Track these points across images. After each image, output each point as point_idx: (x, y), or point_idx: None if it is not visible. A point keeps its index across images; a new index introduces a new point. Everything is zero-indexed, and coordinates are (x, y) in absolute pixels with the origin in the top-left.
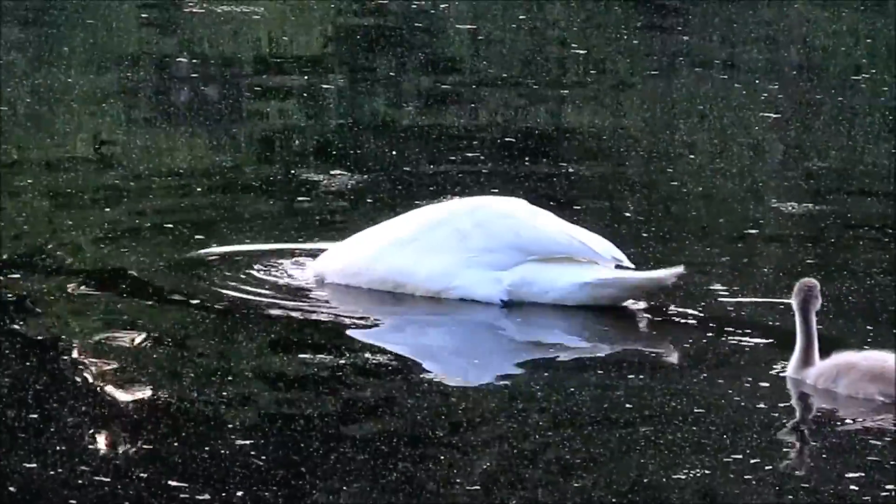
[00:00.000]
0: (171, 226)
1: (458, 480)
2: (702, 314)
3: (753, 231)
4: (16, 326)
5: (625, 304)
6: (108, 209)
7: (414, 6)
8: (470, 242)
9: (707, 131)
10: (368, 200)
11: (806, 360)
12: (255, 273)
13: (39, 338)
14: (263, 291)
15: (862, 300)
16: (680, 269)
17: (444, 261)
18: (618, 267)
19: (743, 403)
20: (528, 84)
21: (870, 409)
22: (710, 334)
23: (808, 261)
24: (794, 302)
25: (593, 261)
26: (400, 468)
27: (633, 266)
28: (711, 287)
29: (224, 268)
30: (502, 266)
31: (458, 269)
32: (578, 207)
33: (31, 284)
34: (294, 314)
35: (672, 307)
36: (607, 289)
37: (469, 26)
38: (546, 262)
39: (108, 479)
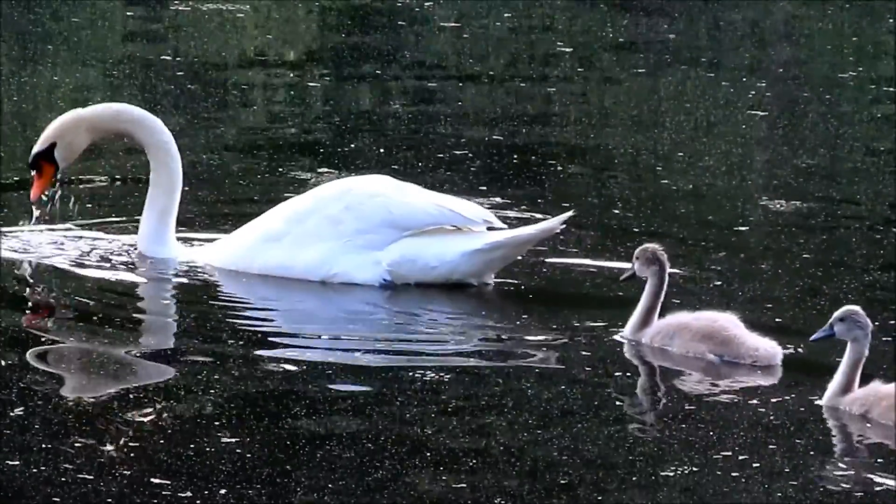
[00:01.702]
0: None
1: (443, 478)
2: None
3: (743, 228)
4: None
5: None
6: (90, 205)
7: (399, 4)
8: (343, 227)
9: (694, 129)
10: None
11: (645, 322)
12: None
13: (21, 335)
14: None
15: (861, 298)
16: (569, 214)
17: (320, 250)
18: (490, 229)
19: (735, 399)
20: (515, 82)
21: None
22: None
23: (805, 255)
24: (652, 268)
25: (466, 227)
26: (386, 465)
27: (504, 226)
28: (702, 283)
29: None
30: (379, 246)
31: (336, 255)
32: (567, 204)
33: (12, 281)
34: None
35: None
36: (499, 250)
37: (454, 24)
38: (421, 236)
39: (91, 477)
